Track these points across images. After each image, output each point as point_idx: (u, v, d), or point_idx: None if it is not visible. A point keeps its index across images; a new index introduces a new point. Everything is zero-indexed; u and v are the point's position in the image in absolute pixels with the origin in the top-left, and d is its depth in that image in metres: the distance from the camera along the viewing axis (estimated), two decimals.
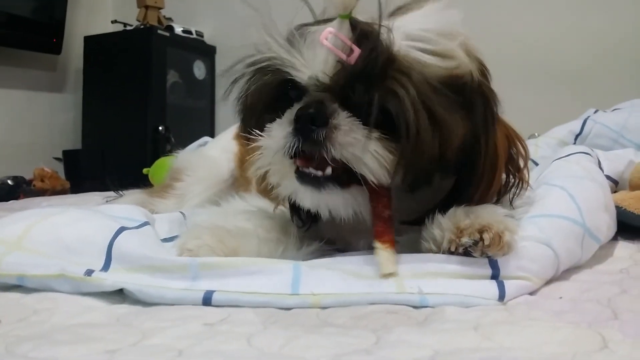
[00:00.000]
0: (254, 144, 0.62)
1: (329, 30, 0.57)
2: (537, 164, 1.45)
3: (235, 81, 0.65)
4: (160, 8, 3.23)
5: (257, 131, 0.62)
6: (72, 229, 0.63)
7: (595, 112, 1.67)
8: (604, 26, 2.37)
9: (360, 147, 0.57)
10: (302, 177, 0.59)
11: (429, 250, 0.60)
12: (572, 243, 0.67)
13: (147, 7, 3.15)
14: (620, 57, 2.34)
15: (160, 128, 3.31)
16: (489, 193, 0.65)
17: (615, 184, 1.01)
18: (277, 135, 0.60)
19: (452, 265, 0.58)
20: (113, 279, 0.55)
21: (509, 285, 0.57)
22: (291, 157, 0.60)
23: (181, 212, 0.91)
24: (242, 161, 1.12)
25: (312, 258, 0.67)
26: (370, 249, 0.71)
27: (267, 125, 0.61)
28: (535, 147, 1.52)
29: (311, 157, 0.58)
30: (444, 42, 0.59)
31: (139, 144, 3.31)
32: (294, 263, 0.57)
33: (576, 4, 2.44)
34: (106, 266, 0.59)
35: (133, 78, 3.32)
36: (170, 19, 3.41)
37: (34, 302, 0.53)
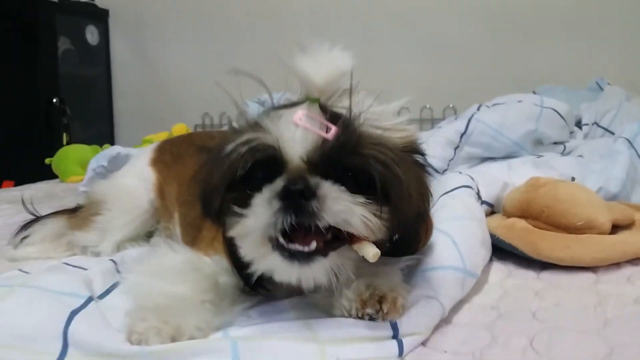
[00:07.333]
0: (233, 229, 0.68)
1: (301, 112, 0.67)
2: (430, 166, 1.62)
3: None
4: None
5: (237, 209, 0.67)
6: (24, 316, 0.69)
7: (479, 108, 1.85)
8: None
9: (350, 212, 0.65)
10: (290, 255, 0.66)
11: (342, 315, 0.73)
12: (455, 290, 0.83)
13: None
14: None
15: (54, 100, 3.18)
16: (426, 242, 0.82)
17: (492, 207, 1.19)
18: (262, 213, 0.65)
19: (360, 329, 0.71)
20: None
21: (406, 341, 0.71)
22: (270, 238, 0.66)
23: (112, 260, 0.97)
24: (161, 190, 1.17)
25: (246, 312, 0.78)
26: (290, 295, 0.82)
27: (235, 209, 0.67)
28: (427, 147, 1.68)
29: (299, 230, 0.65)
30: (394, 119, 0.72)
31: (31, 119, 3.16)
32: (231, 340, 0.67)
33: None
34: (64, 352, 0.66)
35: (19, 48, 3.11)
36: None
37: None
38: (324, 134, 0.65)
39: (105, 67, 3.58)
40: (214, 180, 0.70)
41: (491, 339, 0.74)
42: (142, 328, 0.68)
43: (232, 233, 0.69)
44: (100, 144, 2.56)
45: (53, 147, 2.96)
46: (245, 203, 0.68)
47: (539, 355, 0.69)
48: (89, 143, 2.56)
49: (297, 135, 0.66)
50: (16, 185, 2.40)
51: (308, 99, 0.68)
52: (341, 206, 0.65)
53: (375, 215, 0.66)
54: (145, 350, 0.65)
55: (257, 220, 0.66)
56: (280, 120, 0.67)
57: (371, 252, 0.66)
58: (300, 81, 0.68)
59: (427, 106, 2.97)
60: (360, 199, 0.66)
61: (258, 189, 0.67)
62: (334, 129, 0.65)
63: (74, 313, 0.71)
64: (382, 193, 0.67)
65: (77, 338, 0.67)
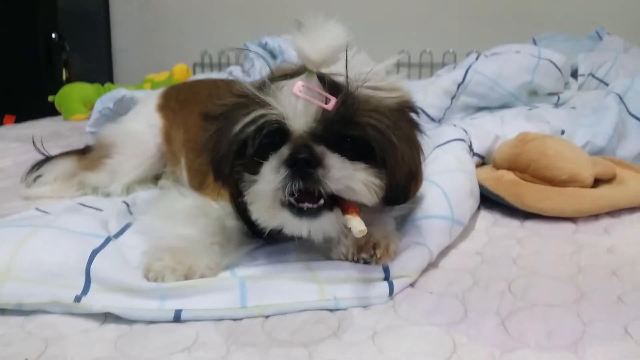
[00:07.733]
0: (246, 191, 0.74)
1: (300, 83, 0.71)
2: (427, 115, 1.67)
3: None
4: None
5: (248, 176, 0.74)
6: (51, 255, 0.76)
7: (477, 58, 1.88)
8: None
9: (353, 179, 0.71)
10: (299, 211, 0.72)
11: (339, 258, 0.81)
12: (443, 237, 0.90)
13: None
14: None
15: (53, 35, 3.17)
16: (415, 192, 0.87)
17: (482, 159, 1.25)
18: (271, 179, 0.70)
19: (355, 271, 0.78)
20: (100, 304, 0.70)
21: (396, 283, 0.78)
22: (280, 201, 0.71)
23: (124, 201, 1.04)
24: (168, 136, 1.22)
25: (251, 253, 0.85)
26: (291, 239, 0.89)
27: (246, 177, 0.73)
28: (425, 95, 1.73)
29: (307, 193, 0.70)
30: (387, 78, 0.76)
31: (30, 54, 3.15)
32: (239, 279, 0.75)
33: None
34: (87, 286, 0.74)
35: None
36: None
37: (38, 329, 0.68)
38: (323, 105, 0.70)
39: (104, 2, 3.53)
40: (223, 150, 0.76)
41: (473, 282, 0.81)
42: (158, 266, 0.75)
43: (246, 198, 0.75)
44: (100, 81, 2.58)
45: (53, 82, 2.98)
46: (253, 168, 0.74)
47: (515, 298, 0.76)
48: (88, 79, 2.57)
49: (299, 107, 0.71)
50: (17, 120, 2.43)
51: (306, 70, 0.72)
52: (344, 174, 0.71)
53: (375, 177, 0.73)
54: (161, 286, 0.73)
55: (266, 185, 0.71)
56: (281, 92, 0.72)
57: (358, 228, 0.70)
58: (298, 54, 0.72)
59: (427, 50, 2.98)
60: (360, 165, 0.72)
61: (264, 156, 0.73)
62: (333, 100, 0.70)
63: (95, 252, 0.77)
64: (379, 158, 0.72)
65: (99, 274, 0.74)
